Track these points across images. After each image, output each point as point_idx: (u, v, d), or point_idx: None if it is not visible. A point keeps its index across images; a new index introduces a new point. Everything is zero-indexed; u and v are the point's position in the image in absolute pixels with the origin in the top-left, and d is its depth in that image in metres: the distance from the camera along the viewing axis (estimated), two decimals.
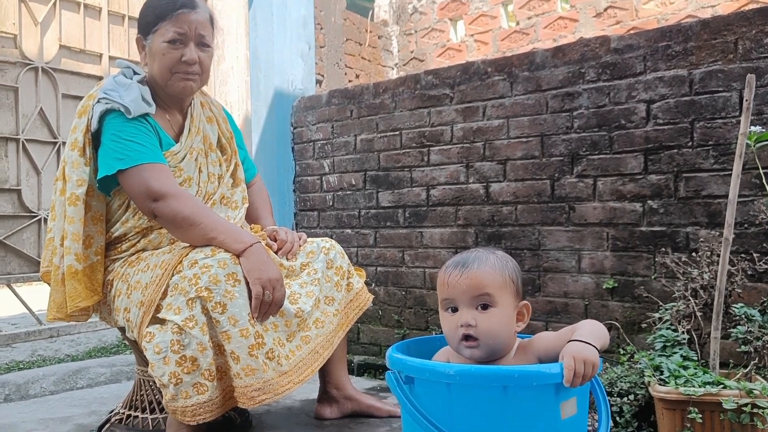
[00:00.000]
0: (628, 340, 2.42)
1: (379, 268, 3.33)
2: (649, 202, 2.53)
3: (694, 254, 2.39)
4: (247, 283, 1.82)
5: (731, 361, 2.03)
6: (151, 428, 2.07)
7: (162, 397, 1.84)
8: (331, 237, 3.34)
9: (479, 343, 1.36)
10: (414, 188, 3.20)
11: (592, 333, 1.27)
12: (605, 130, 2.63)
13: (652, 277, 2.56)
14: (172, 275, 1.82)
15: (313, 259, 2.18)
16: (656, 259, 2.56)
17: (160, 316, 1.80)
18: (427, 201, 3.16)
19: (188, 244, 1.91)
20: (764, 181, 2.07)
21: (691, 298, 1.95)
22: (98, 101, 1.96)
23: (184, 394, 1.76)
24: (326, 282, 2.18)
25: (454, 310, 1.40)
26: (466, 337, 1.37)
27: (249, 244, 1.84)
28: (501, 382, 1.17)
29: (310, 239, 2.27)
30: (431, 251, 3.16)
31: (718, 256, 1.92)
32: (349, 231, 3.44)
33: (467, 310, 1.37)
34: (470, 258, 1.42)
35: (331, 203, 3.53)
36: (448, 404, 1.20)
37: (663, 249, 2.42)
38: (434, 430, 1.18)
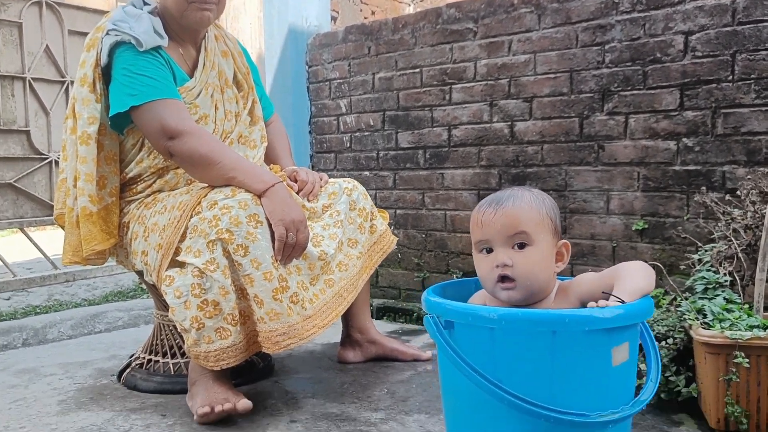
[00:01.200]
0: (667, 282, 2.34)
1: (398, 211, 3.25)
2: (684, 140, 2.42)
3: (730, 194, 2.29)
4: (270, 225, 1.74)
5: None
6: (173, 372, 2.03)
7: (183, 341, 1.78)
8: None
9: (516, 285, 1.29)
10: (435, 128, 3.09)
11: (636, 287, 1.19)
12: (639, 64, 2.49)
13: (685, 218, 2.46)
14: (191, 217, 1.74)
15: (336, 201, 2.10)
16: (690, 200, 2.46)
17: (179, 259, 1.73)
18: (449, 141, 3.05)
19: (206, 185, 1.82)
20: None
21: (732, 239, 1.86)
22: (107, 33, 1.85)
23: (206, 338, 1.70)
24: (349, 224, 2.10)
25: (489, 250, 1.32)
26: (503, 278, 1.29)
27: (271, 183, 1.76)
28: (549, 327, 1.09)
29: (331, 180, 2.18)
30: (452, 193, 3.07)
31: (764, 193, 1.82)
32: (367, 173, 3.35)
33: (503, 249, 1.30)
34: (504, 195, 1.34)
35: (348, 145, 3.43)
36: (490, 350, 1.13)
37: (700, 188, 2.31)
38: (476, 377, 1.12)
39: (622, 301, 1.15)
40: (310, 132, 3.59)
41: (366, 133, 3.34)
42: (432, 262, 3.14)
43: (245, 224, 1.70)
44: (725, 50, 2.30)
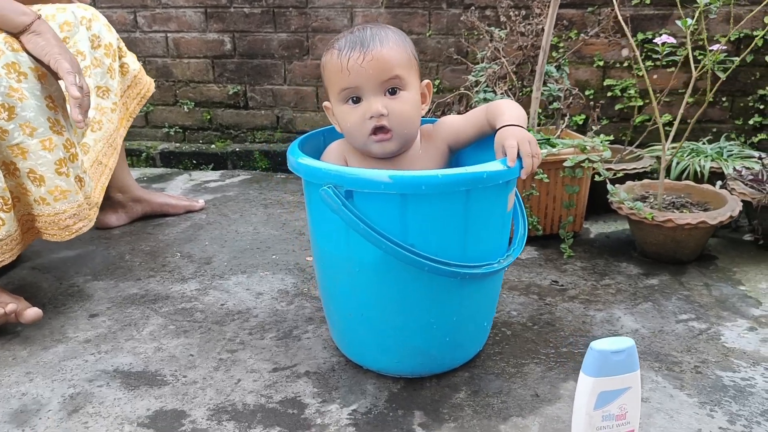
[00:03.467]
0: None
1: None
2: None
3: (489, 10, 2.38)
4: (41, 78, 1.30)
5: (542, 118, 2.16)
6: None
7: None
8: None
9: (392, 135, 1.18)
10: None
11: (518, 116, 1.16)
12: None
13: (427, 34, 2.51)
14: None
15: (72, 34, 1.64)
16: (432, 16, 2.50)
17: None
18: None
19: None
20: None
21: (503, 58, 1.95)
22: None
23: None
24: (95, 67, 1.68)
25: (357, 100, 1.17)
26: (377, 130, 1.17)
27: (36, 15, 1.29)
28: (465, 186, 1.03)
29: (58, 5, 1.67)
30: (173, 12, 2.65)
31: (533, 17, 1.91)
32: None
33: (375, 98, 1.15)
34: (366, 36, 1.16)
35: None
36: (401, 217, 1.04)
37: (441, 5, 2.34)
38: (394, 248, 1.02)
39: (523, 128, 1.13)
40: None
41: None
42: (156, 94, 2.75)
43: (3, 77, 1.23)
44: None
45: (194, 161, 2.71)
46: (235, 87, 2.71)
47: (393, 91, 1.16)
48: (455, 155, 1.31)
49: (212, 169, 2.68)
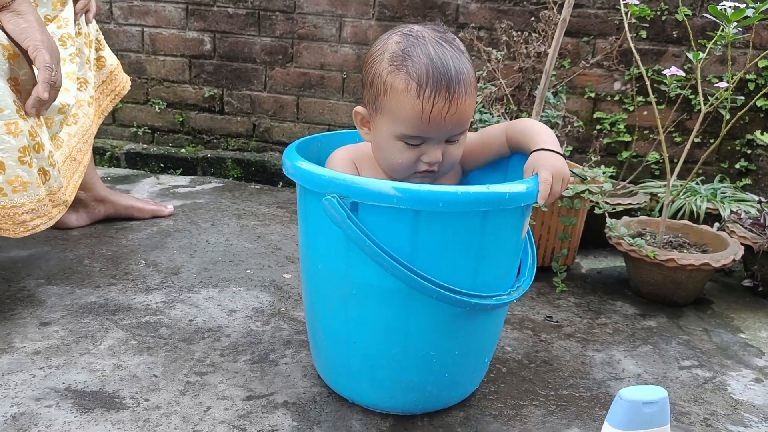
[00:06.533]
0: None
1: None
2: None
3: (482, 32, 2.31)
4: (11, 58, 1.16)
5: None
6: None
7: None
8: None
9: (435, 175, 1.07)
10: None
11: (555, 141, 1.06)
12: None
13: None
14: None
15: (61, 12, 1.50)
16: None
17: None
18: None
19: None
20: None
21: (501, 80, 1.87)
22: None
23: None
24: (77, 56, 1.55)
25: (417, 143, 1.02)
26: (426, 171, 1.05)
27: None
28: (484, 207, 0.93)
29: None
30: (152, 5, 2.52)
31: (534, 38, 1.84)
32: None
33: (438, 146, 1.02)
34: (451, 73, 0.98)
35: None
36: (411, 236, 0.93)
37: (435, 19, 2.27)
38: (401, 270, 0.91)
39: (562, 155, 1.03)
40: None
41: None
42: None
43: None
44: None
45: (162, 164, 2.56)
46: (212, 90, 2.58)
47: (454, 139, 1.04)
48: (467, 176, 1.21)
49: (181, 174, 2.53)
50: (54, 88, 1.23)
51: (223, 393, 1.12)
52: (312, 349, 1.18)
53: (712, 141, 2.35)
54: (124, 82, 1.76)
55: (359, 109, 1.09)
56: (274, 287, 1.54)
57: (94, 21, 1.65)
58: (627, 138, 2.36)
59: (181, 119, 2.63)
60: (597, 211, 1.60)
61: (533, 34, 1.87)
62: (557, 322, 1.47)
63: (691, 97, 2.25)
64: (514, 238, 1.03)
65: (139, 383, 1.13)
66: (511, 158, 1.18)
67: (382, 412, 1.09)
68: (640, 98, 2.31)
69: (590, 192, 1.61)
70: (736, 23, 1.40)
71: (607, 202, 1.81)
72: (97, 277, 1.53)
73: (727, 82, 1.56)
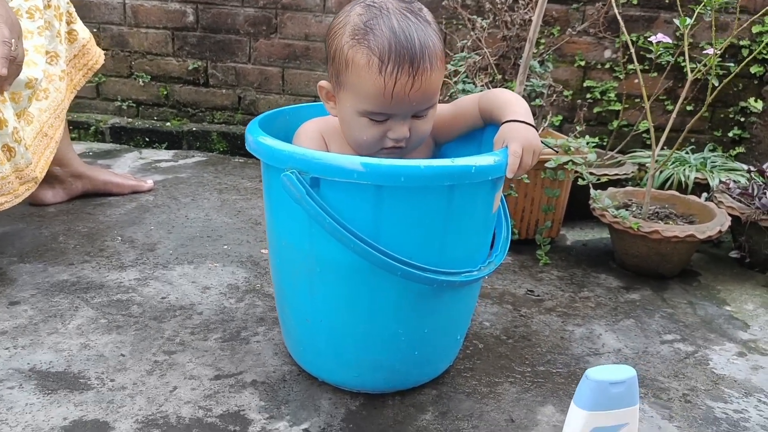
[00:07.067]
0: None
1: None
2: None
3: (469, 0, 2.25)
4: None
5: None
6: None
7: None
8: None
9: (403, 151, 1.03)
10: None
11: (527, 112, 1.02)
12: None
13: None
14: None
15: None
16: None
17: None
18: None
19: None
20: None
21: (486, 49, 1.82)
22: None
23: None
24: (46, 29, 1.50)
25: (382, 119, 0.98)
26: (394, 146, 1.01)
27: None
28: (450, 181, 0.90)
29: None
30: None
31: (519, 5, 1.79)
32: None
33: (404, 121, 0.98)
34: (415, 46, 0.93)
35: None
36: (374, 212, 0.90)
37: None
38: (363, 248, 0.88)
39: (533, 126, 0.99)
40: None
41: None
42: (109, 64, 2.55)
43: None
44: None
45: (147, 139, 2.52)
46: (196, 62, 2.53)
47: (422, 114, 1.00)
48: (440, 148, 1.17)
49: (165, 149, 2.49)
50: (15, 63, 1.19)
51: (191, 372, 1.09)
52: (282, 327, 1.16)
53: (704, 109, 2.30)
54: (97, 56, 1.72)
55: (323, 83, 1.05)
56: (251, 263, 1.52)
57: None
58: (617, 107, 2.31)
59: (165, 92, 2.58)
60: (581, 182, 1.56)
61: (519, 1, 1.81)
62: (538, 296, 1.45)
63: (683, 64, 2.20)
64: (484, 213, 1.00)
65: (106, 363, 1.11)
66: (485, 129, 1.14)
67: (352, 390, 1.07)
68: (630, 66, 2.26)
69: (574, 163, 1.57)
70: None
71: (592, 173, 1.77)
72: (71, 254, 1.51)
73: (714, 48, 1.51)
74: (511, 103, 1.04)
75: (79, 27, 1.66)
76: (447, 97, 1.78)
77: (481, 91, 1.74)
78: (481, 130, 1.15)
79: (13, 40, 1.17)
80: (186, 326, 1.24)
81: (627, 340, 1.28)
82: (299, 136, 1.10)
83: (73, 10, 1.65)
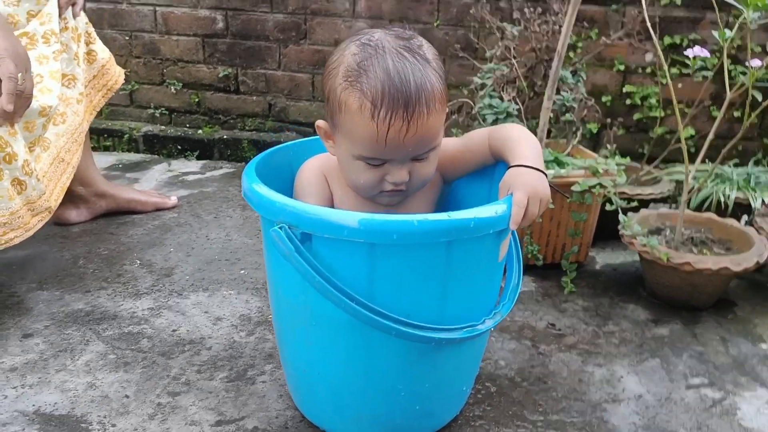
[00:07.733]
0: None
1: (88, 4, 2.53)
2: None
3: (502, 3, 2.17)
4: None
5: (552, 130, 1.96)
6: None
7: None
8: None
9: (405, 193, 0.99)
10: None
11: (537, 155, 0.96)
12: None
13: (435, 24, 2.30)
14: None
15: (45, 7, 1.45)
16: (440, 4, 2.29)
17: None
18: None
19: None
20: None
21: (514, 60, 1.75)
22: None
23: None
24: (62, 52, 1.50)
25: (379, 164, 0.94)
26: (393, 191, 0.97)
27: None
28: (446, 237, 0.85)
29: None
30: None
31: (550, 14, 1.71)
32: None
33: (402, 166, 0.94)
34: (410, 90, 0.88)
35: None
36: (368, 269, 0.86)
37: None
38: (357, 309, 0.84)
39: (543, 172, 0.93)
40: None
41: None
42: (142, 71, 2.57)
43: None
44: None
45: (179, 146, 2.53)
46: (226, 69, 2.52)
47: (421, 157, 0.95)
48: (450, 185, 1.12)
49: (197, 158, 2.49)
50: (22, 97, 1.19)
51: (193, 417, 1.08)
52: (284, 371, 1.13)
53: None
54: (117, 76, 1.72)
55: (320, 123, 1.01)
56: (266, 290, 1.50)
57: (83, 14, 1.59)
58: (660, 113, 2.20)
59: (197, 99, 2.59)
60: (608, 207, 1.49)
61: (550, 9, 1.73)
62: (560, 330, 1.38)
63: (729, 68, 2.08)
64: (488, 265, 0.95)
65: (110, 405, 1.10)
66: (497, 165, 1.08)
67: None
68: (674, 70, 2.14)
69: (601, 186, 1.49)
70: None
71: (624, 193, 1.69)
72: (89, 279, 1.51)
73: (758, 57, 1.41)
74: (520, 143, 0.97)
75: (99, 47, 1.66)
76: (468, 117, 1.72)
77: (509, 105, 1.67)
78: (493, 166, 1.09)
79: (19, 75, 1.17)
80: (193, 363, 1.22)
81: (650, 383, 1.21)
82: (301, 174, 1.07)
83: (92, 30, 1.65)
